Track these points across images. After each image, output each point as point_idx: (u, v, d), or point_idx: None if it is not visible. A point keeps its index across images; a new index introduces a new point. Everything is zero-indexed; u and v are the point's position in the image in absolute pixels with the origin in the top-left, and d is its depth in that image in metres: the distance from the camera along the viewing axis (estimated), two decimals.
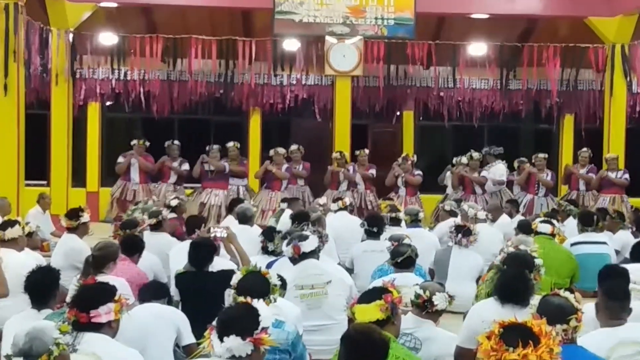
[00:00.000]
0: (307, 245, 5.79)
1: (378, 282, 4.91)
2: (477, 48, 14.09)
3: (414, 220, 8.77)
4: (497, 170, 12.87)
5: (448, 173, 13.38)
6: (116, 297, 3.95)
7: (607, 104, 13.82)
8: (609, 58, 13.63)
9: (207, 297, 5.25)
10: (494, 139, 15.32)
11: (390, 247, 6.52)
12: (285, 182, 12.66)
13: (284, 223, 7.79)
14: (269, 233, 6.76)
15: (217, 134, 14.87)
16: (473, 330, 4.68)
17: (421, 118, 15.41)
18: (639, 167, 13.60)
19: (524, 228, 8.12)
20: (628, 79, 13.53)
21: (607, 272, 5.20)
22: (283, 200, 10.42)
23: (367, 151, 13.29)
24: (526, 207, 12.48)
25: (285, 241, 5.92)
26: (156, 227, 7.96)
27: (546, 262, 6.71)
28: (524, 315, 3.78)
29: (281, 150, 12.78)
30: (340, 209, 9.52)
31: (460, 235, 7.49)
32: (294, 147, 13.00)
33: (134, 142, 12.99)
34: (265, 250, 6.63)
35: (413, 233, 7.66)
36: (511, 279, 4.78)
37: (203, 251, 5.81)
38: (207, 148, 12.77)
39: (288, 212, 8.52)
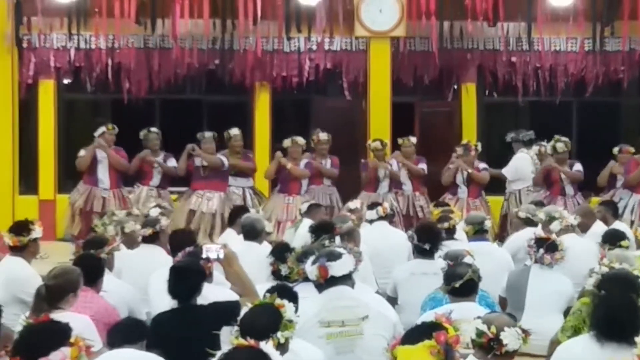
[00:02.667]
0: (339, 267, 5.78)
1: (429, 316, 4.90)
2: None
3: (478, 231, 8.74)
4: (512, 160, 12.89)
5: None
6: (72, 340, 3.97)
7: None
8: None
9: (196, 339, 5.27)
10: (586, 118, 15.26)
11: (445, 269, 6.50)
12: (305, 183, 12.69)
13: (301, 237, 7.79)
14: (280, 252, 6.77)
15: (211, 119, 14.94)
16: None
17: (487, 92, 15.37)
18: None
19: (613, 238, 8.06)
20: None
21: None
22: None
23: (413, 139, 13.28)
24: (635, 212, 12.32)
25: (310, 260, 5.92)
26: (151, 240, 8.06)
27: None
28: (628, 356, 3.76)
29: (300, 140, 12.81)
30: (380, 217, 9.51)
31: (542, 251, 7.46)
32: (323, 135, 13.01)
33: (101, 129, 12.90)
34: (276, 275, 6.65)
35: (476, 248, 7.62)
36: (616, 309, 4.75)
37: (187, 278, 5.83)
38: (197, 136, 12.83)
39: (307, 223, 8.51)
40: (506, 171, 13.25)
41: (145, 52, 14.40)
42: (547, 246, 7.53)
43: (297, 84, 14.52)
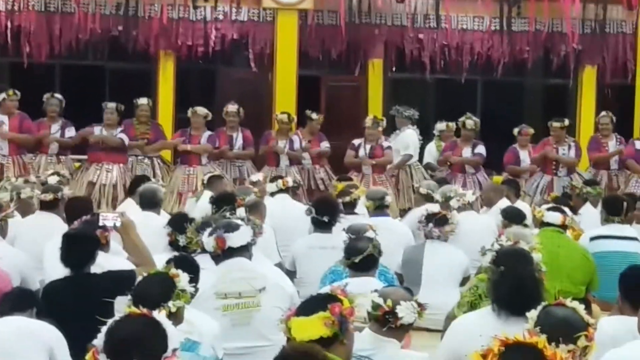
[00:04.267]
0: (237, 238, 5.78)
1: (327, 289, 4.91)
2: None
3: (379, 207, 8.80)
4: (405, 138, 13.07)
5: (432, 145, 13.48)
6: None
7: None
8: None
9: (88, 308, 5.21)
10: (491, 97, 15.47)
11: (346, 242, 6.53)
12: (206, 155, 12.64)
13: (202, 208, 7.76)
14: (178, 222, 6.72)
15: (114, 87, 14.81)
16: (456, 351, 4.72)
17: (394, 69, 15.45)
18: None
19: (513, 216, 8.19)
20: None
21: (631, 275, 5.29)
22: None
23: (318, 116, 13.30)
24: (544, 192, 12.53)
25: (207, 232, 5.89)
26: (49, 207, 7.95)
27: (554, 263, 6.85)
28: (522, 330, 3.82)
29: (201, 110, 12.73)
30: (280, 190, 9.52)
31: (431, 225, 7.56)
32: (232, 107, 12.93)
33: (1, 95, 12.64)
34: (174, 246, 6.61)
35: (377, 223, 7.68)
36: (522, 283, 4.80)
37: (80, 246, 5.77)
38: (102, 106, 12.66)
39: (208, 194, 8.47)
40: (411, 151, 13.29)
41: (46, 16, 14.14)
42: (436, 220, 7.63)
43: (203, 53, 14.42)
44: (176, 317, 4.49)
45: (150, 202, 8.30)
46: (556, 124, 12.89)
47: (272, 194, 9.50)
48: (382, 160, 12.79)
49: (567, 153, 12.84)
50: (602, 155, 13.01)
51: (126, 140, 12.38)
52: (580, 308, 3.98)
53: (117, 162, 12.40)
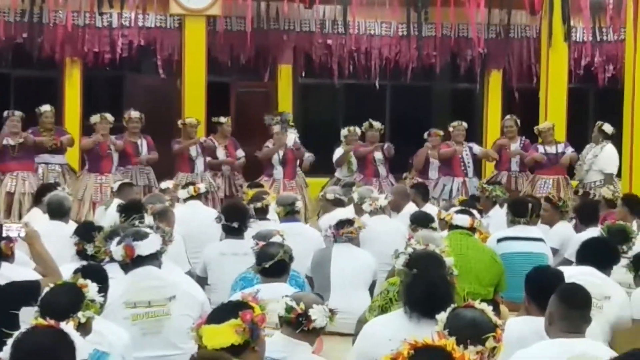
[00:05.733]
0: (145, 247, 5.75)
1: (239, 296, 4.91)
2: None
3: (290, 212, 8.81)
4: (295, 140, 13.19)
5: (339, 149, 13.55)
6: None
7: (544, 57, 14.27)
8: None
9: None
10: (400, 102, 15.62)
11: (255, 248, 6.52)
12: (116, 162, 12.51)
13: (111, 217, 7.68)
14: (85, 231, 6.64)
15: (19, 94, 14.59)
16: (367, 354, 4.75)
17: (303, 74, 15.49)
18: (582, 137, 14.08)
19: (421, 220, 8.27)
20: (566, 24, 13.96)
21: (537, 276, 5.37)
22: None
23: (226, 119, 13.30)
24: (457, 195, 12.66)
25: (115, 240, 5.84)
26: None
27: (463, 265, 6.92)
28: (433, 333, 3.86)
29: (109, 116, 12.58)
30: (192, 197, 9.47)
31: (338, 228, 7.63)
32: (134, 113, 12.85)
33: None
34: (82, 255, 6.52)
35: (288, 229, 7.69)
36: (434, 286, 4.84)
37: None
38: (5, 114, 12.43)
39: (118, 202, 8.38)
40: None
41: None
42: (338, 222, 7.70)
43: (110, 60, 14.29)
44: (85, 328, 4.43)
45: (58, 211, 8.19)
46: (456, 124, 13.22)
47: (185, 200, 9.45)
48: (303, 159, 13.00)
49: (469, 153, 13.13)
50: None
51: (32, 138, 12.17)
52: (489, 309, 4.04)
53: (29, 169, 12.20)
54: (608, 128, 13.15)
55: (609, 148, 13.03)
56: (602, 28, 15.27)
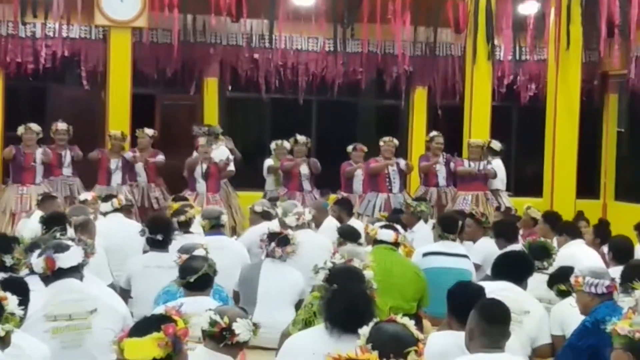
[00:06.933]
0: (67, 259, 5.67)
1: (162, 309, 4.88)
2: None
3: (215, 226, 8.78)
4: (224, 152, 13.21)
5: (268, 162, 13.59)
6: None
7: (468, 75, 14.45)
8: (471, 14, 14.25)
9: None
10: (326, 117, 15.70)
11: (179, 262, 6.48)
12: (40, 173, 12.39)
13: (32, 229, 7.58)
14: (3, 242, 6.54)
15: None
16: None
17: (230, 88, 15.48)
18: (505, 155, 14.27)
19: (349, 235, 8.30)
20: (490, 43, 14.17)
21: (458, 291, 5.43)
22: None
23: (149, 131, 13.24)
24: (381, 210, 12.72)
25: (36, 252, 5.76)
26: None
27: (387, 280, 6.96)
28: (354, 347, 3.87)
29: (34, 126, 12.54)
30: (116, 209, 9.40)
31: (273, 245, 7.58)
32: (61, 125, 12.79)
33: None
34: (0, 267, 6.42)
35: (212, 242, 7.67)
36: (354, 301, 4.87)
37: None
38: None
39: (38, 214, 8.28)
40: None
41: None
42: (278, 240, 7.65)
43: (33, 70, 14.14)
44: (3, 342, 4.37)
45: None
46: (387, 139, 13.26)
47: (105, 214, 9.37)
48: (226, 173, 12.91)
49: (396, 169, 13.18)
50: (428, 164, 13.46)
51: None
52: (411, 324, 4.06)
53: None
54: (496, 145, 13.57)
55: (497, 164, 13.34)
56: (524, 48, 15.53)
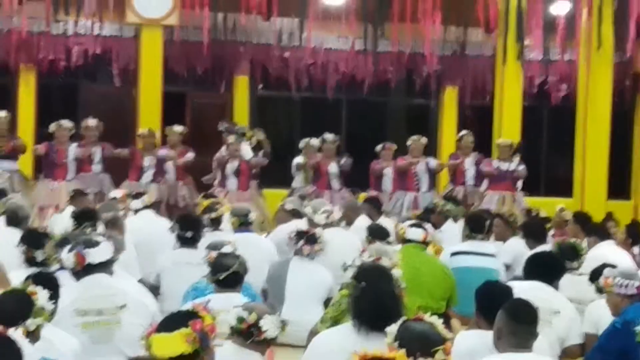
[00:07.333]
0: (97, 254, 5.69)
1: (189, 306, 4.89)
2: None
3: (243, 223, 8.79)
4: (248, 152, 13.19)
5: (297, 160, 13.59)
6: None
7: (498, 75, 14.39)
8: (501, 14, 14.19)
9: None
10: (356, 116, 15.68)
11: (208, 259, 6.49)
12: (73, 169, 12.45)
13: (63, 224, 7.61)
14: (33, 237, 6.57)
15: None
16: None
17: (260, 86, 15.50)
18: (535, 155, 14.21)
19: (378, 233, 8.29)
20: (521, 43, 14.10)
21: (486, 291, 5.41)
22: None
23: (178, 128, 13.25)
24: (409, 209, 12.71)
25: (67, 248, 5.79)
26: None
27: (415, 279, 6.95)
28: (383, 345, 3.86)
29: (66, 123, 12.55)
30: (145, 206, 9.43)
31: (301, 243, 7.57)
32: (92, 122, 12.79)
33: None
34: (31, 262, 6.46)
35: (242, 240, 7.68)
36: (382, 299, 4.87)
37: None
38: None
39: (70, 210, 8.32)
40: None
41: None
42: (306, 238, 7.64)
43: (65, 68, 14.23)
44: (33, 335, 4.39)
45: (14, 218, 8.09)
46: (416, 138, 13.26)
47: (136, 211, 9.40)
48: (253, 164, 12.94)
49: (424, 168, 13.17)
50: (454, 163, 13.43)
51: None
52: (438, 323, 4.05)
53: None
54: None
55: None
56: (554, 48, 15.45)
